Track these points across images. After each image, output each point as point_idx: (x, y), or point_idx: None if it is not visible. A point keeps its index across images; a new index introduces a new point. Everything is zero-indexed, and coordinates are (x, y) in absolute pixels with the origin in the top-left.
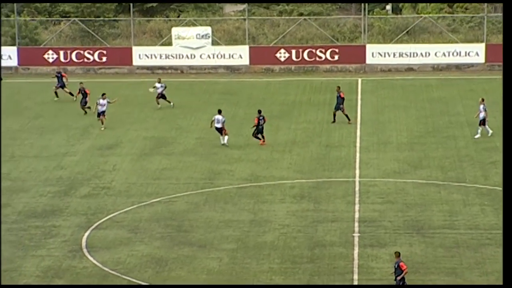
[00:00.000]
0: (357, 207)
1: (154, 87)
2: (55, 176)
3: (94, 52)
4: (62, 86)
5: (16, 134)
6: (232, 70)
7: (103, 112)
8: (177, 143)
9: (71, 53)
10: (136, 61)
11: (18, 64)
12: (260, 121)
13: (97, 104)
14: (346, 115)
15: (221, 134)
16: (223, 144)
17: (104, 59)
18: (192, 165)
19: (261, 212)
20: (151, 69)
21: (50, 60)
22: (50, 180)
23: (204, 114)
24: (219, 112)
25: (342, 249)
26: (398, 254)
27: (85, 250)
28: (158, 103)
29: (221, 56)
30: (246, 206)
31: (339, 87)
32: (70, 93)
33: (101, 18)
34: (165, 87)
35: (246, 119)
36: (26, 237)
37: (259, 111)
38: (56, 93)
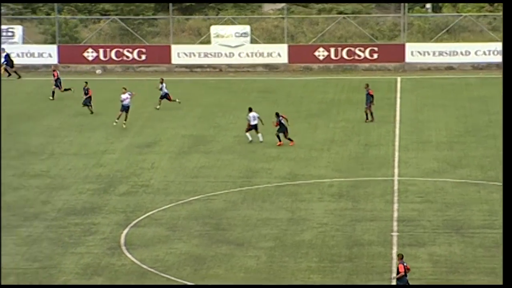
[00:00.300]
0: (395, 206)
1: (161, 87)
2: (95, 174)
3: (133, 50)
4: (58, 86)
5: (56, 131)
6: (270, 68)
7: (128, 107)
8: (216, 141)
9: (110, 51)
10: (175, 60)
11: (58, 62)
12: (282, 121)
13: (122, 100)
14: (367, 114)
15: (256, 131)
16: (261, 141)
17: (143, 57)
18: (230, 163)
19: (299, 211)
20: (190, 67)
21: (90, 58)
22: (89, 177)
23: (242, 113)
24: (251, 110)
25: (380, 248)
26: (401, 257)
27: (123, 248)
28: (159, 103)
29: (260, 55)
30: (284, 205)
31: (367, 85)
32: (56, 86)
33: (141, 17)
34: (166, 86)
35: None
36: (65, 234)
37: (277, 114)
38: (66, 89)
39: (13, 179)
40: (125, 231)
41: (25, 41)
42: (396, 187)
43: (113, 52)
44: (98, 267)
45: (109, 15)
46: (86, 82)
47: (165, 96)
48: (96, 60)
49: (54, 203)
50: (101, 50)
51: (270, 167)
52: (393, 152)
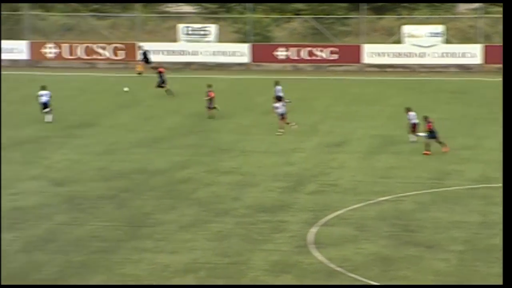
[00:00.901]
0: None
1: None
2: (284, 172)
3: (324, 50)
4: (163, 82)
5: (246, 129)
6: (463, 69)
7: (283, 114)
8: (405, 142)
9: (301, 51)
10: (365, 59)
11: (251, 60)
12: (432, 125)
13: (274, 108)
14: None
15: (413, 131)
16: (416, 139)
17: (334, 56)
18: (420, 164)
19: (491, 214)
20: (381, 67)
21: (281, 57)
22: (278, 175)
23: (433, 113)
24: (410, 109)
25: None
26: None
27: (311, 246)
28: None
29: (452, 55)
30: (476, 208)
31: None
32: (167, 90)
33: (333, 16)
34: (282, 89)
35: (478, 119)
36: (254, 231)
37: (426, 118)
38: (164, 88)
39: (205, 175)
40: (313, 230)
41: (219, 39)
42: None
43: (304, 51)
44: (286, 264)
45: (301, 14)
46: (209, 85)
47: (280, 98)
48: (287, 59)
49: (244, 200)
50: (292, 49)
51: (462, 169)
52: None
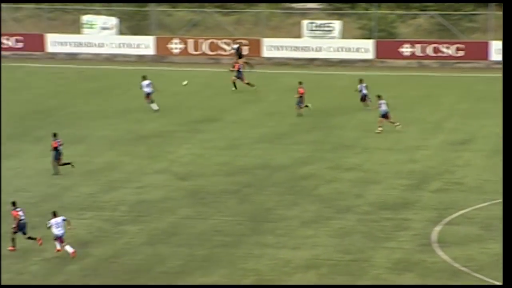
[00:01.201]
0: None
1: (360, 89)
2: (407, 169)
3: (450, 46)
4: (240, 77)
5: (369, 125)
6: None
7: (385, 113)
8: None
9: (427, 47)
10: (493, 56)
11: (375, 57)
12: None
13: (379, 105)
14: None
15: None
16: None
17: (461, 53)
18: None
19: None
20: None
21: (406, 54)
22: (401, 173)
23: None
24: None
25: None
26: None
27: (435, 245)
28: (367, 105)
29: None
30: None
31: None
32: (238, 78)
33: (460, 12)
34: (367, 86)
35: None
36: (377, 229)
37: None
38: (234, 83)
39: (327, 171)
40: (437, 228)
41: (343, 36)
42: None
43: (430, 47)
44: (409, 263)
45: (427, 10)
46: (300, 82)
47: (364, 97)
48: (412, 56)
49: (366, 197)
50: (417, 46)
51: None
52: None
